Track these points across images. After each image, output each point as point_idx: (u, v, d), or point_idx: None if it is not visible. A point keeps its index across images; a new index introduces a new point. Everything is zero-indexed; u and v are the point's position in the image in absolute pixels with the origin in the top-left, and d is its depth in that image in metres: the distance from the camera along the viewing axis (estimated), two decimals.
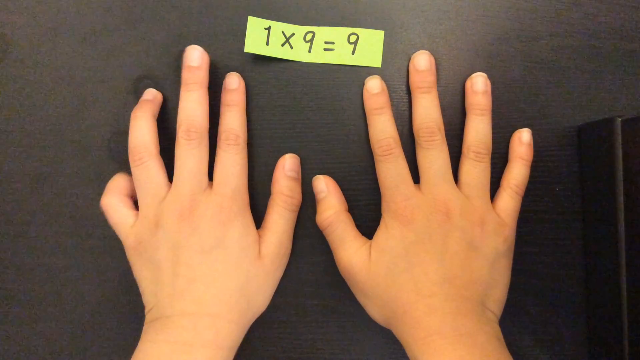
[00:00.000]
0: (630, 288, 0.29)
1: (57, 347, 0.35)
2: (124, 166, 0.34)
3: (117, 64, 0.34)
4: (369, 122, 0.33)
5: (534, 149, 0.33)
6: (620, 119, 0.30)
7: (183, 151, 0.30)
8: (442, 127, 0.31)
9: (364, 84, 0.33)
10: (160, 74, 0.34)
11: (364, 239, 0.32)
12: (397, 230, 0.30)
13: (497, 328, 0.30)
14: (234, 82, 0.32)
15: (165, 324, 0.29)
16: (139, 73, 0.34)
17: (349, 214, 0.33)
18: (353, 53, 0.33)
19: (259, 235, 0.32)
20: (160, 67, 0.34)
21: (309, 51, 0.33)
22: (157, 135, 0.31)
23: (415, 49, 0.33)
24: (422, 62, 0.32)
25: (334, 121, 0.34)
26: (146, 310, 0.31)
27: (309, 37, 0.33)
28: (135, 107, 0.32)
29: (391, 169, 0.31)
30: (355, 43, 0.33)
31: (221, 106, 0.32)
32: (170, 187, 0.31)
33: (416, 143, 0.32)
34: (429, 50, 0.33)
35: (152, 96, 0.33)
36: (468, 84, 0.33)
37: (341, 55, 0.33)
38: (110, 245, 0.35)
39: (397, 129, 0.32)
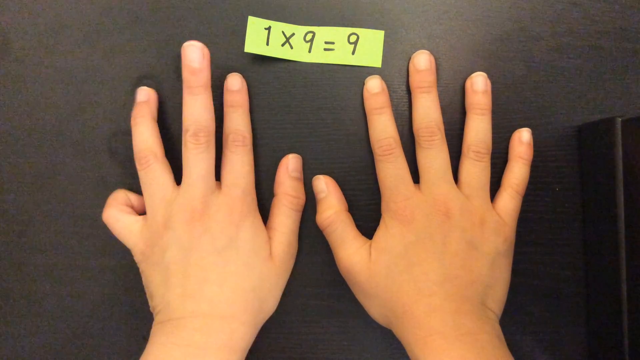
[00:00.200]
0: (630, 288, 0.29)
1: (57, 346, 0.35)
2: (124, 166, 0.34)
3: (117, 64, 0.34)
4: (369, 122, 0.33)
5: (534, 149, 0.33)
6: (620, 119, 0.30)
7: (192, 155, 0.30)
8: (442, 127, 0.31)
9: (364, 84, 0.33)
10: (160, 74, 0.34)
11: (364, 238, 0.32)
12: (397, 230, 0.30)
13: (498, 327, 0.30)
14: (236, 83, 0.32)
15: (175, 326, 0.29)
16: (139, 73, 0.34)
17: (349, 214, 0.33)
18: (353, 53, 0.33)
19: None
20: (160, 67, 0.34)
21: (309, 51, 0.33)
22: (160, 137, 0.31)
23: (415, 49, 0.33)
24: (422, 61, 0.32)
25: (334, 121, 0.34)
26: (154, 313, 0.31)
27: (309, 37, 0.33)
28: (133, 111, 0.32)
29: (391, 168, 0.31)
30: (356, 43, 0.33)
31: (225, 107, 0.32)
32: (177, 189, 0.31)
33: (416, 143, 0.32)
34: (429, 50, 0.33)
35: (146, 96, 0.32)
36: (468, 83, 0.33)
37: (341, 55, 0.33)
38: (110, 245, 0.34)
39: (397, 129, 0.32)
